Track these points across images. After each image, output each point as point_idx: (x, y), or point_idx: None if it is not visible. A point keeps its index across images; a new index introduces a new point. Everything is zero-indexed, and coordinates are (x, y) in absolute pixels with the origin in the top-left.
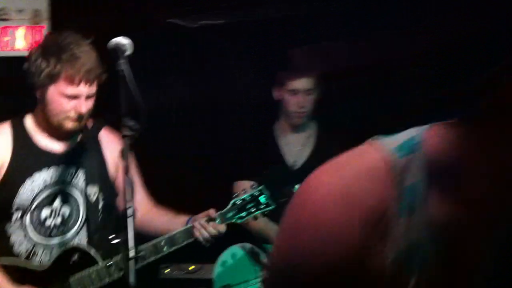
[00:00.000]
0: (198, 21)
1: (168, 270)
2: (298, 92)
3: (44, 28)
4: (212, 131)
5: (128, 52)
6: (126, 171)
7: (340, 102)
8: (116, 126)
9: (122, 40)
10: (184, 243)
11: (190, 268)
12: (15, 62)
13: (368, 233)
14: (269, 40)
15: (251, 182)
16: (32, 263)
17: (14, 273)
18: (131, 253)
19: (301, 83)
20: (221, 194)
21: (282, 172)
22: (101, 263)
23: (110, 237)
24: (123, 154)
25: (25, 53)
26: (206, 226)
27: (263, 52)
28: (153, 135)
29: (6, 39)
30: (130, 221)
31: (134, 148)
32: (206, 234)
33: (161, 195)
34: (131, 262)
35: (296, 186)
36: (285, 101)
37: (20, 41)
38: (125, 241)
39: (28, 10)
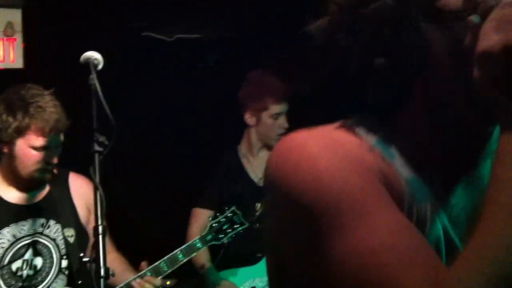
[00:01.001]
0: (174, 34)
1: None
2: (281, 115)
3: (16, 41)
4: (175, 151)
5: (100, 66)
6: (96, 188)
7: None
8: (86, 141)
9: (93, 54)
10: None
11: (167, 283)
12: None
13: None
14: (243, 55)
15: (209, 211)
16: None
17: None
18: (102, 272)
19: (283, 106)
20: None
21: (250, 189)
22: None
23: (81, 254)
24: (94, 170)
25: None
26: (143, 283)
27: (238, 67)
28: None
29: None
30: (101, 239)
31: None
32: None
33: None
34: (102, 281)
35: (259, 204)
36: (266, 125)
37: None
38: (96, 259)
39: (1, 23)
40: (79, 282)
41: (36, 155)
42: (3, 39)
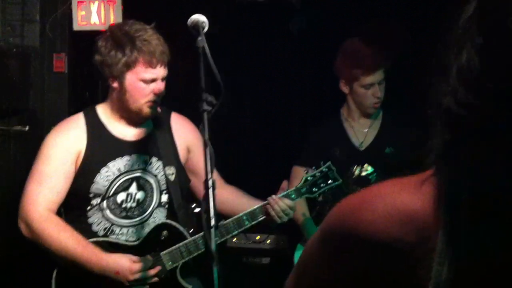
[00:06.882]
0: None
1: (235, 239)
2: (373, 85)
3: (116, 3)
4: (278, 115)
5: (206, 29)
6: (206, 144)
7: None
8: (195, 102)
9: (200, 17)
10: (263, 217)
11: (256, 238)
12: (90, 36)
13: None
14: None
15: (305, 169)
16: (120, 239)
17: (106, 247)
18: (213, 222)
19: (375, 77)
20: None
21: (350, 153)
22: (189, 238)
23: (192, 206)
24: (203, 129)
25: (100, 27)
26: (278, 200)
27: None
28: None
29: (81, 13)
30: (211, 192)
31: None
32: (277, 208)
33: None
34: (212, 231)
35: (358, 168)
36: (358, 95)
37: (95, 16)
38: (206, 211)
39: None
40: (179, 216)
41: (145, 88)
42: (103, 2)
